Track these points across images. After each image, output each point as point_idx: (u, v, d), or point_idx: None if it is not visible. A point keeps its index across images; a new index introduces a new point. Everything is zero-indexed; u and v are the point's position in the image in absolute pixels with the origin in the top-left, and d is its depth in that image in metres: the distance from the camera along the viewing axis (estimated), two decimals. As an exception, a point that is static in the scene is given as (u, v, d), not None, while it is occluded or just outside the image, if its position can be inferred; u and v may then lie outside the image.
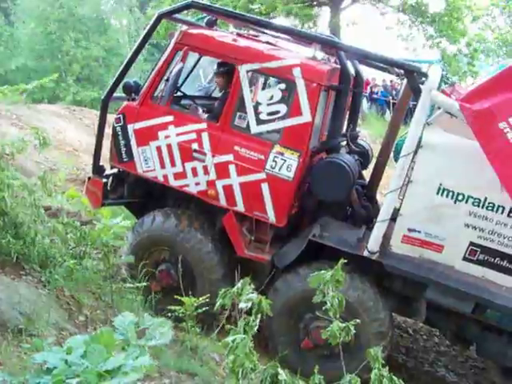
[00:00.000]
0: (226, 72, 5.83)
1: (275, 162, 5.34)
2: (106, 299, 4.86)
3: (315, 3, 23.77)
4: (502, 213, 4.72)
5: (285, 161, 5.33)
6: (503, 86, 4.48)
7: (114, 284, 4.99)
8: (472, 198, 4.76)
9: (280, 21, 25.14)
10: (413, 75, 5.16)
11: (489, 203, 4.74)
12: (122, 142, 5.84)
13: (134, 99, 5.91)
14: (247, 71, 5.45)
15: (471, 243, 4.88)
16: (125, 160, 5.89)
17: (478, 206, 4.76)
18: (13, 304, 3.92)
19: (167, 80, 5.73)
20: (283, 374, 2.27)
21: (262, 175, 5.39)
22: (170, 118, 5.69)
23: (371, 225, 5.41)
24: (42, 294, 4.34)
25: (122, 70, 5.98)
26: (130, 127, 5.79)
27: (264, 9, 22.31)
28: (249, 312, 2.53)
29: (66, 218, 5.30)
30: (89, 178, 6.19)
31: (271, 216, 5.44)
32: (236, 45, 5.61)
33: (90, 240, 5.08)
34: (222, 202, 5.58)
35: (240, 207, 5.54)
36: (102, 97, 6.10)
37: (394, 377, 2.46)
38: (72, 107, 16.83)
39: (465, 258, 4.94)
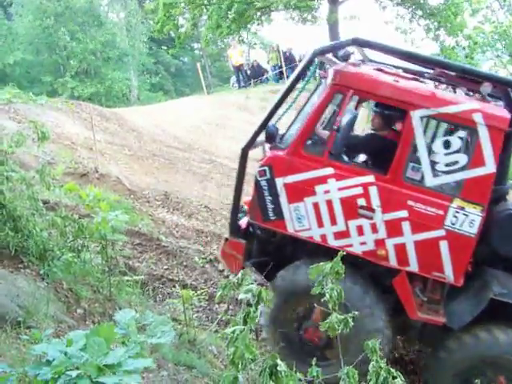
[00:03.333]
0: (389, 115, 5.42)
1: (456, 217, 4.89)
2: (104, 292, 4.87)
3: (313, -4, 23.74)
4: None
5: (466, 216, 4.88)
6: None
7: (112, 277, 5.00)
8: None
9: (280, 14, 25.20)
10: None
11: None
12: (269, 198, 5.15)
13: (275, 147, 5.27)
14: (421, 117, 4.92)
15: None
16: (272, 218, 5.20)
17: None
18: (11, 297, 3.93)
19: (337, 130, 5.08)
20: (282, 365, 2.28)
21: (441, 232, 4.93)
22: (330, 171, 5.06)
23: None
24: (41, 287, 4.35)
25: (268, 116, 5.25)
26: (279, 181, 5.11)
27: (262, 2, 22.24)
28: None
29: (64, 212, 5.30)
30: (226, 240, 5.61)
31: (449, 275, 5.01)
32: (406, 88, 5.01)
33: (88, 233, 5.08)
34: (392, 263, 5.08)
35: (413, 267, 5.06)
36: (243, 146, 5.30)
37: (391, 369, 2.47)
38: (70, 101, 16.81)
39: None
